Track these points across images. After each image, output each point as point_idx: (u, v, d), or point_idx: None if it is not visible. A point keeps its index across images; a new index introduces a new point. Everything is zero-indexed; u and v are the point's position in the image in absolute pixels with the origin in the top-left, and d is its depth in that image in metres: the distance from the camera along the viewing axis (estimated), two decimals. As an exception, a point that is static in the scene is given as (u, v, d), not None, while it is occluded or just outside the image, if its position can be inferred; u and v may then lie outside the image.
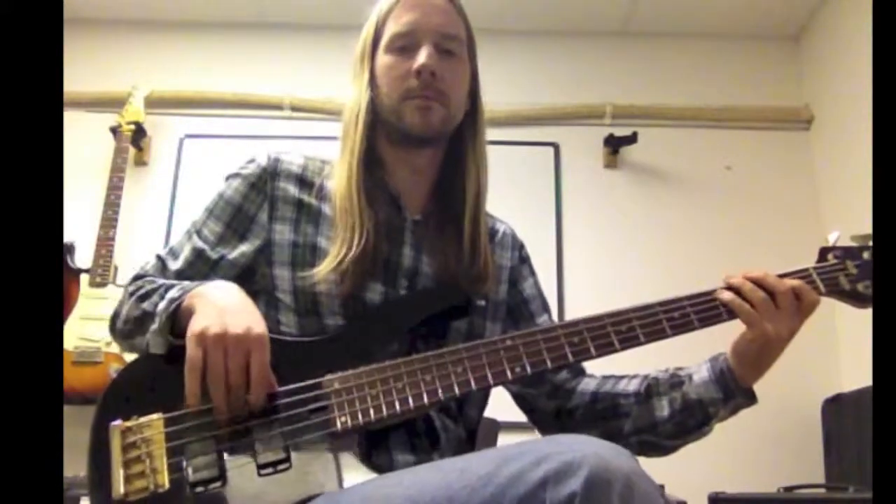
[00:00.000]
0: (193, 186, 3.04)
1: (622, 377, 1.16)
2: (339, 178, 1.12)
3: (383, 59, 1.14)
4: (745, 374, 1.05)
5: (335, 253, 1.07)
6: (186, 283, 1.06)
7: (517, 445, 0.82)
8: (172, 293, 1.03)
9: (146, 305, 1.06)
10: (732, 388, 1.05)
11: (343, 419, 0.96)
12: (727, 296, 1.04)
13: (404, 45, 1.12)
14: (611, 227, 3.05)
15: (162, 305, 1.02)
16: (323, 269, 1.06)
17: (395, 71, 1.12)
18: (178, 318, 1.01)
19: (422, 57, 1.10)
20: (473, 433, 1.16)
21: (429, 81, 1.10)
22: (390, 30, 1.14)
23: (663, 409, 1.09)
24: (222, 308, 0.96)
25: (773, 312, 1.02)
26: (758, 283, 1.03)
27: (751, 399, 1.06)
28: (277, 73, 3.22)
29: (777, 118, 3.16)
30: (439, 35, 1.13)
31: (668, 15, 3.18)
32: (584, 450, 0.76)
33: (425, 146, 1.16)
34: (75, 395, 2.47)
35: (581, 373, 1.21)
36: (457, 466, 0.83)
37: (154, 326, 1.02)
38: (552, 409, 1.18)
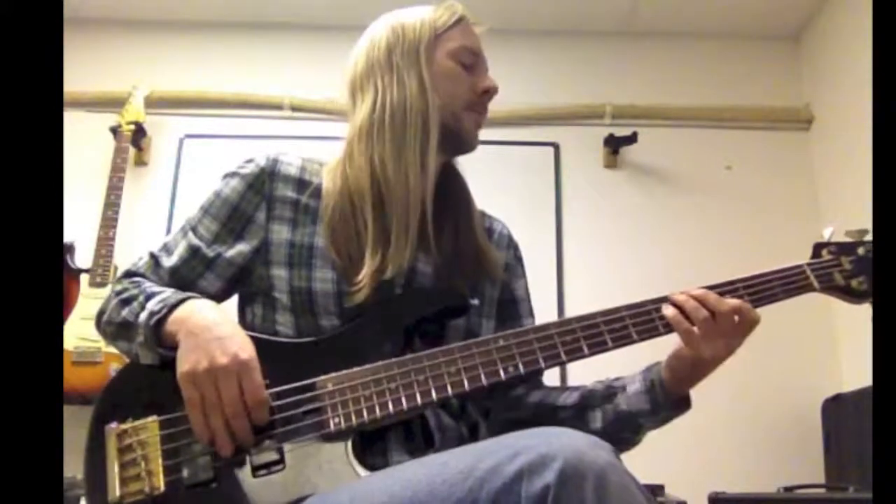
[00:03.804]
0: (193, 186, 3.03)
1: (566, 388, 1.17)
2: (401, 179, 1.10)
3: (447, 63, 1.17)
4: (676, 386, 1.06)
5: (389, 267, 1.07)
6: (167, 293, 1.06)
7: (498, 439, 0.83)
8: (153, 305, 1.03)
9: (126, 314, 1.06)
10: (661, 401, 1.07)
11: (336, 420, 0.97)
12: (670, 311, 1.03)
13: (470, 62, 1.18)
14: (611, 227, 3.05)
15: (143, 318, 1.02)
16: (363, 277, 1.06)
17: (463, 81, 1.17)
18: (161, 334, 1.01)
19: (491, 81, 1.19)
20: (476, 428, 1.16)
21: (487, 103, 1.19)
22: (457, 41, 1.18)
23: (596, 420, 1.11)
24: (206, 339, 0.97)
25: (712, 333, 1.02)
26: (700, 301, 1.03)
27: (681, 409, 1.08)
28: (277, 73, 3.21)
29: (777, 118, 3.16)
30: (487, 69, 1.22)
31: (669, 15, 3.18)
32: (560, 442, 0.76)
33: (456, 154, 1.21)
34: (75, 395, 2.47)
35: (536, 386, 1.22)
36: (439, 461, 0.84)
37: (140, 340, 1.03)
38: (502, 420, 1.19)
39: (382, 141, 1.13)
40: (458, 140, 1.17)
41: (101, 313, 1.12)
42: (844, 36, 2.90)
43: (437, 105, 1.14)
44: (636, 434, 1.10)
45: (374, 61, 1.17)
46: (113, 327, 1.09)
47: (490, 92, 1.18)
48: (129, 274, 1.14)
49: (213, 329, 0.98)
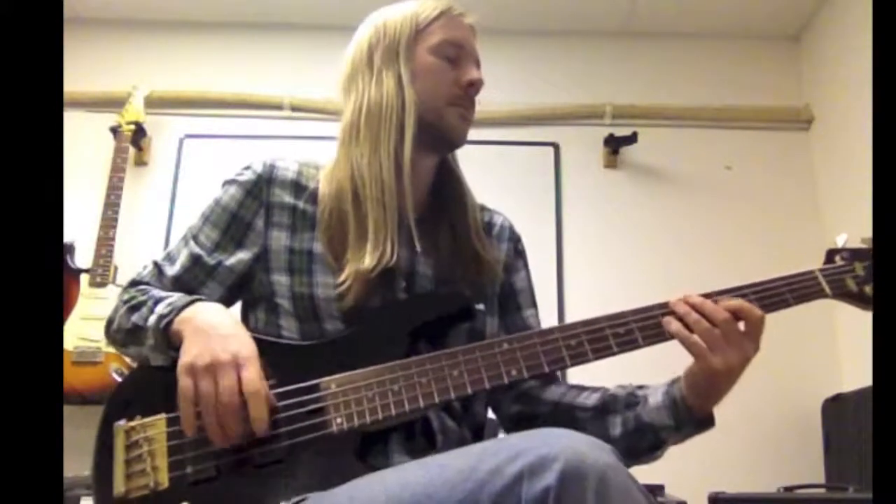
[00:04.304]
0: (193, 186, 3.03)
1: (586, 388, 1.15)
2: (375, 176, 1.10)
3: (428, 59, 1.15)
4: (698, 403, 1.03)
5: (368, 262, 1.05)
6: (175, 296, 1.07)
7: (499, 441, 0.83)
8: (161, 308, 1.05)
9: (136, 319, 1.08)
10: (684, 418, 1.04)
11: (339, 421, 0.97)
12: (674, 327, 1.01)
13: (454, 56, 1.16)
14: (611, 227, 3.05)
15: (152, 321, 1.04)
16: (347, 276, 1.06)
17: (445, 76, 1.15)
18: (170, 336, 1.02)
19: (475, 73, 1.16)
20: (480, 430, 1.16)
21: (473, 97, 1.16)
22: (438, 35, 1.16)
23: (616, 426, 1.08)
24: (210, 336, 0.98)
25: (719, 343, 0.99)
26: (698, 310, 1.01)
27: (704, 426, 1.05)
28: (277, 73, 3.21)
29: (777, 118, 3.16)
30: (476, 61, 1.19)
31: (668, 15, 3.18)
32: (561, 444, 0.76)
33: (443, 152, 1.19)
34: (75, 395, 2.48)
35: (552, 381, 1.20)
36: (439, 462, 0.84)
37: (151, 343, 1.04)
38: (514, 413, 1.19)
39: (360, 141, 1.13)
40: (441, 136, 1.15)
41: (109, 322, 1.13)
42: (844, 36, 2.90)
43: (415, 101, 1.12)
44: (657, 448, 1.07)
45: (357, 63, 1.18)
46: (122, 334, 1.10)
47: (475, 85, 1.15)
48: (134, 283, 1.16)
49: (218, 327, 0.99)
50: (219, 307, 1.06)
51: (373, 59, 1.16)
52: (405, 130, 1.12)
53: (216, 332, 0.98)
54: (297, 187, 1.15)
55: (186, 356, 0.97)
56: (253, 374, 0.95)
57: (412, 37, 1.16)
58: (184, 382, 0.96)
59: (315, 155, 1.22)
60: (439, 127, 1.14)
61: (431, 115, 1.13)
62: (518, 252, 1.28)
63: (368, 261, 1.05)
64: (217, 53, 3.27)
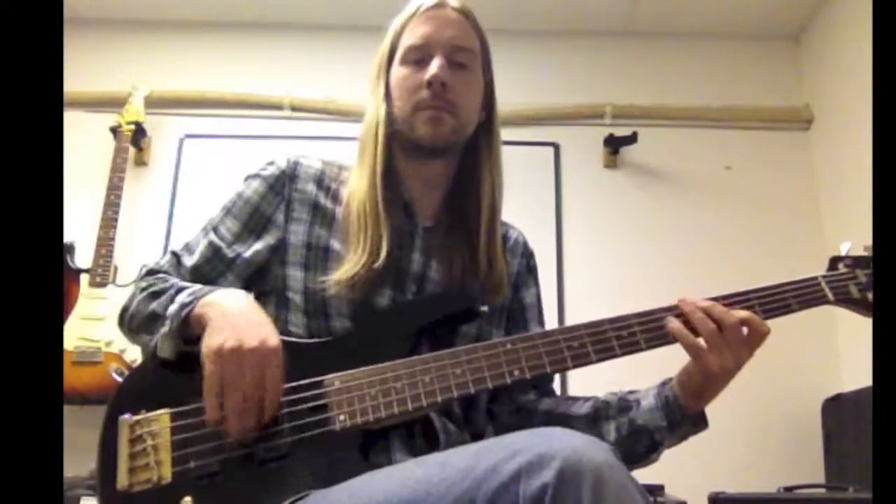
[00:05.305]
0: (193, 186, 3.04)
1: (578, 398, 1.16)
2: (358, 189, 1.13)
3: (398, 71, 1.16)
4: (691, 402, 1.04)
5: (354, 261, 1.07)
6: (197, 286, 1.07)
7: (496, 439, 0.83)
8: (183, 297, 1.04)
9: (155, 306, 1.07)
10: (678, 417, 1.05)
11: (342, 418, 0.98)
12: (675, 325, 1.02)
13: (418, 58, 1.14)
14: (611, 227, 3.05)
15: (172, 309, 1.03)
16: (337, 277, 1.07)
17: (408, 83, 1.14)
18: (188, 325, 1.02)
19: (433, 68, 1.12)
20: (480, 437, 1.16)
21: (439, 92, 1.12)
22: (405, 43, 1.16)
23: (610, 433, 1.09)
24: (236, 323, 0.98)
25: (719, 345, 1.00)
26: (707, 312, 1.01)
27: (699, 425, 1.06)
28: (277, 73, 3.22)
29: (777, 118, 3.16)
30: (451, 47, 1.15)
31: (669, 15, 3.19)
32: (559, 442, 0.76)
33: (437, 156, 1.18)
34: (75, 395, 2.48)
35: (547, 394, 1.22)
36: (438, 461, 0.84)
37: (164, 330, 1.03)
38: (511, 425, 1.18)
39: (356, 158, 1.17)
40: (416, 144, 1.15)
41: (125, 309, 1.13)
42: (844, 36, 2.90)
43: (382, 118, 1.14)
44: (652, 451, 1.07)
45: (370, 78, 1.21)
46: (138, 320, 1.10)
47: (433, 82, 1.11)
48: (151, 272, 1.15)
49: (248, 313, 0.99)
50: (241, 292, 1.05)
51: (371, 81, 1.20)
52: (377, 146, 1.14)
53: (245, 318, 0.98)
54: (320, 185, 1.17)
55: (213, 338, 0.96)
56: (276, 374, 0.96)
57: (391, 52, 1.18)
58: (210, 369, 0.95)
59: (333, 155, 1.23)
60: (412, 136, 1.14)
61: (405, 126, 1.14)
62: (530, 268, 1.29)
63: (352, 263, 1.07)
64: (217, 53, 3.27)
